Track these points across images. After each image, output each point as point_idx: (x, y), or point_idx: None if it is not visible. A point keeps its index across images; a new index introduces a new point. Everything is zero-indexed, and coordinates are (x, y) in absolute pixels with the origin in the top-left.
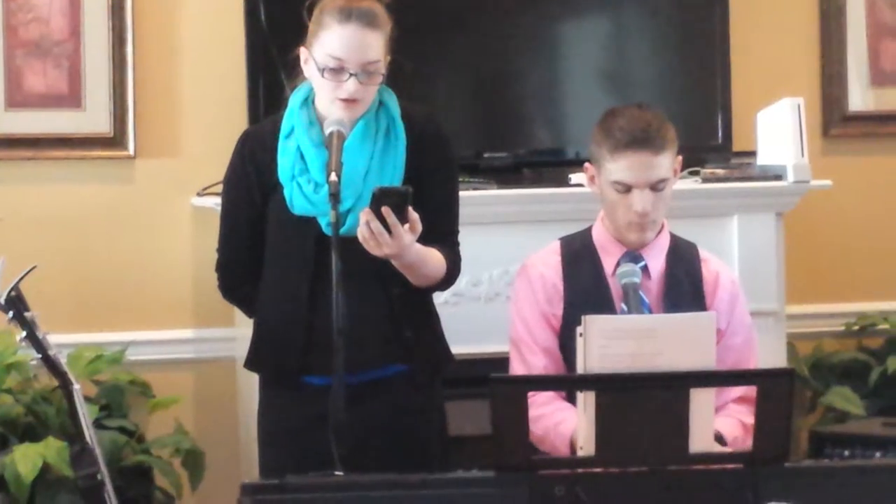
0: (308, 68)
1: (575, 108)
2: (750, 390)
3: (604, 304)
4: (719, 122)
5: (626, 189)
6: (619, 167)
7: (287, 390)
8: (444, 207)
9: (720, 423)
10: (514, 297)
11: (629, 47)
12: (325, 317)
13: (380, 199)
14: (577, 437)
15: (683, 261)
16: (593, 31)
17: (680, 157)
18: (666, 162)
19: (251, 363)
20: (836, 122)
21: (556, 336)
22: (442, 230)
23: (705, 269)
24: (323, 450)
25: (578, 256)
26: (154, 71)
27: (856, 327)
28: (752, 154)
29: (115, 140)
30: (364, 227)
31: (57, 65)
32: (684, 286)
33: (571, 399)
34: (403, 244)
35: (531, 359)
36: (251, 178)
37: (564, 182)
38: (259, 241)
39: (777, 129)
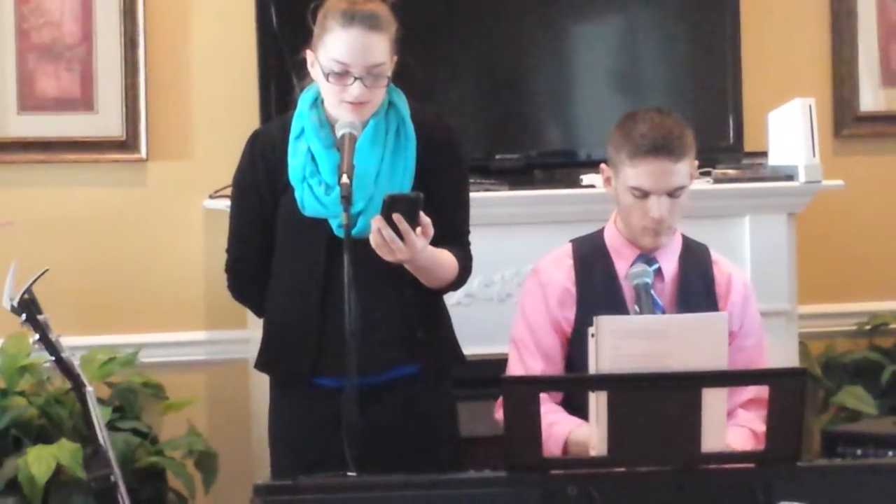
0: (314, 71)
1: (586, 109)
2: (760, 392)
3: (616, 307)
4: (730, 122)
5: (644, 195)
6: (638, 173)
7: (298, 392)
8: (455, 208)
9: (731, 434)
10: (522, 298)
11: (640, 48)
12: (337, 319)
13: (391, 206)
14: (571, 438)
15: (696, 263)
16: (604, 32)
17: (696, 162)
18: (685, 169)
19: (262, 365)
20: (847, 122)
21: (564, 341)
22: (453, 231)
23: (717, 271)
24: (334, 451)
25: (591, 259)
26: (166, 74)
27: (868, 327)
28: (764, 154)
29: (128, 143)
30: (376, 234)
31: (69, 68)
32: (697, 288)
33: (576, 403)
34: (416, 249)
35: (530, 362)
36: (261, 179)
37: (576, 183)
38: (269, 241)
39: (788, 130)
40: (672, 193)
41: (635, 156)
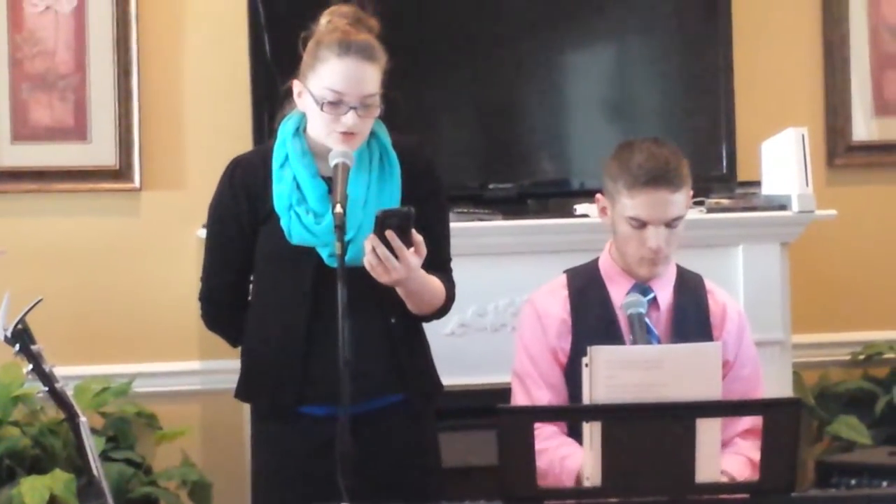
0: (303, 101)
1: (579, 138)
2: (757, 423)
3: (612, 336)
4: (724, 152)
5: (642, 225)
6: (636, 203)
7: (283, 421)
8: (438, 235)
9: (728, 461)
10: (520, 330)
11: (633, 78)
12: (324, 347)
13: (383, 223)
14: (584, 471)
15: (690, 292)
16: (597, 61)
17: (691, 192)
18: (682, 199)
19: (243, 394)
20: (840, 151)
21: (563, 370)
22: (437, 258)
23: (712, 301)
24: (321, 480)
25: (586, 289)
26: (159, 104)
27: (862, 356)
28: (757, 184)
29: (121, 172)
30: (371, 254)
31: (62, 98)
32: (692, 317)
33: (574, 432)
34: (410, 267)
35: (537, 393)
36: (242, 207)
37: (569, 213)
38: (246, 271)
39: (781, 159)
40: (669, 223)
41: (633, 186)
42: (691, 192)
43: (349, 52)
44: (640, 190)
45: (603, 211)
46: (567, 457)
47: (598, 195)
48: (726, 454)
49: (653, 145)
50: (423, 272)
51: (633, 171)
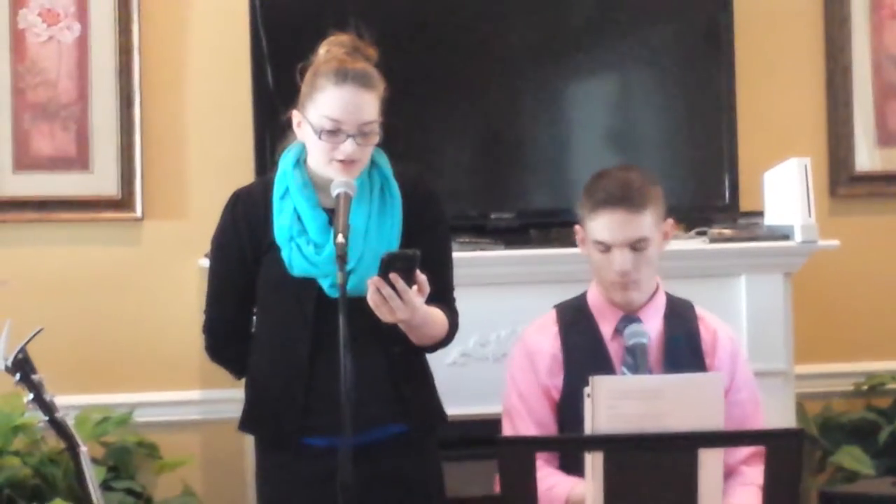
0: (302, 131)
1: (581, 168)
2: (760, 447)
3: (603, 369)
4: (726, 182)
5: (607, 248)
6: (597, 225)
7: (285, 452)
8: (440, 266)
9: (740, 495)
10: (510, 367)
11: (635, 108)
12: (326, 378)
13: (389, 265)
14: (571, 498)
15: (681, 321)
16: (600, 92)
17: (670, 221)
18: (646, 221)
19: (247, 426)
20: (843, 181)
21: (555, 407)
22: (439, 288)
23: (703, 328)
24: None
25: (575, 323)
26: (161, 133)
27: (865, 387)
28: (760, 214)
29: (123, 202)
30: (375, 294)
31: (64, 127)
32: (683, 346)
33: (570, 465)
34: (414, 308)
35: (524, 431)
36: (244, 239)
37: (571, 242)
38: (249, 302)
39: (784, 189)
40: (634, 246)
41: (595, 208)
42: (670, 221)
43: (346, 80)
44: (599, 211)
45: (581, 241)
46: (554, 486)
47: (577, 226)
48: (736, 486)
49: (619, 170)
50: (425, 307)
51: (596, 194)
